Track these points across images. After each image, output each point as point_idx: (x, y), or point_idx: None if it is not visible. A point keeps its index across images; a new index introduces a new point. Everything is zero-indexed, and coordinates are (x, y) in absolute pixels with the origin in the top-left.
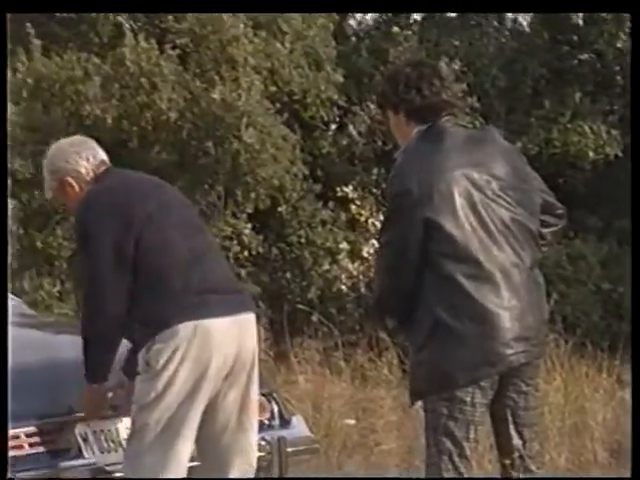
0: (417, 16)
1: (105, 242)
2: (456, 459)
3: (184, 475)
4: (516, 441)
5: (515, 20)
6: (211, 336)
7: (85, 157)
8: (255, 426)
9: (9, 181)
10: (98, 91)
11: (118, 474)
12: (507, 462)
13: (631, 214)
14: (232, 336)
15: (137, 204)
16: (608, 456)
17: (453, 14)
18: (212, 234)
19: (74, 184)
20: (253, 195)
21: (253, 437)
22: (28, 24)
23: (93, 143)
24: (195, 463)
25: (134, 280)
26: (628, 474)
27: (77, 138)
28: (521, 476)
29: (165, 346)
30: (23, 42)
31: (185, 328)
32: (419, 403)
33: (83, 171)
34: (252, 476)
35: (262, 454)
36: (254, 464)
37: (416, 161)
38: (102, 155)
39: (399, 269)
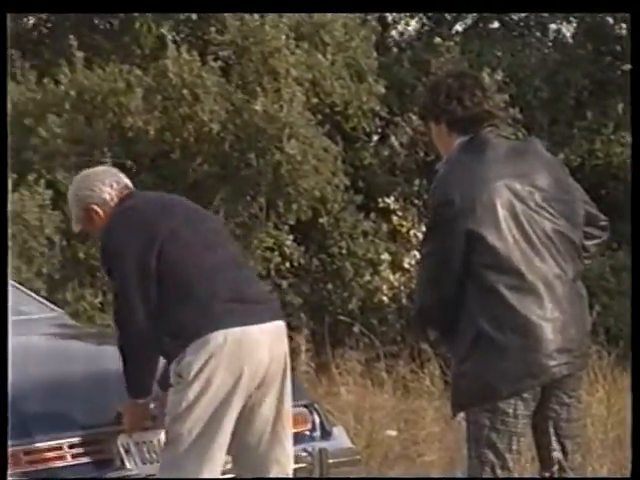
0: (459, 27)
1: (129, 260)
2: (498, 471)
3: None
4: (558, 453)
5: (558, 31)
6: (242, 344)
7: (109, 184)
8: (290, 436)
9: (51, 193)
10: (140, 103)
11: None
12: (548, 474)
13: (631, 214)
14: (263, 344)
15: (160, 220)
16: None
17: (496, 25)
18: (236, 245)
19: (99, 211)
20: (295, 206)
21: (289, 447)
22: (71, 36)
23: (115, 170)
24: (230, 475)
25: (161, 294)
26: None
27: (99, 168)
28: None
29: (196, 357)
30: (66, 54)
31: (215, 338)
32: (461, 415)
33: (107, 197)
34: None
35: (303, 465)
36: (290, 474)
37: (458, 172)
38: (125, 180)
39: (441, 280)
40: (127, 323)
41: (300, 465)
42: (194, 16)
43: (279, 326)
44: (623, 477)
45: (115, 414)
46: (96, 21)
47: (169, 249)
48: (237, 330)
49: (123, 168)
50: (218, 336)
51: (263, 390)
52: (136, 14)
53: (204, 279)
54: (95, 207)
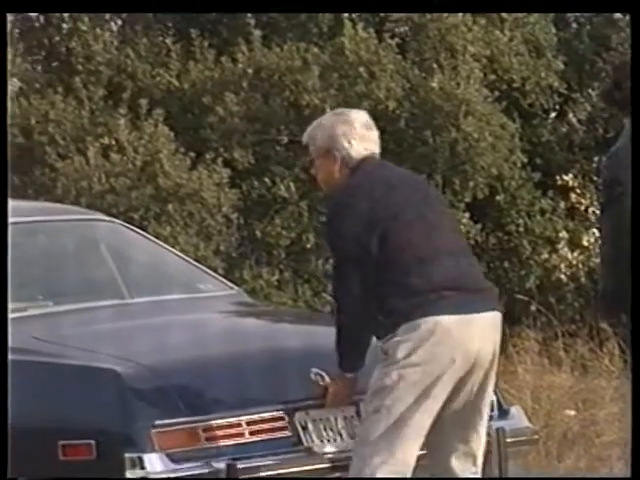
0: None
1: (349, 241)
2: None
3: (407, 472)
4: None
5: None
6: (451, 333)
7: (363, 145)
8: (485, 427)
9: (228, 171)
10: (317, 81)
11: (337, 463)
12: None
13: (631, 214)
14: (473, 335)
15: (384, 203)
16: None
17: None
18: (458, 230)
19: (338, 159)
20: (471, 184)
21: (483, 439)
22: (249, 14)
23: (372, 133)
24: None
25: (378, 276)
26: None
27: (363, 118)
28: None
29: (405, 339)
30: (243, 32)
31: (425, 323)
32: None
33: (354, 155)
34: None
35: None
36: (479, 468)
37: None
38: (373, 146)
39: (615, 262)
40: (343, 299)
41: None
42: None
43: (494, 317)
44: (623, 477)
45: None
46: None
47: (390, 233)
48: (447, 318)
49: (299, 145)
50: (429, 322)
51: (467, 379)
52: None
53: (421, 265)
54: (336, 154)
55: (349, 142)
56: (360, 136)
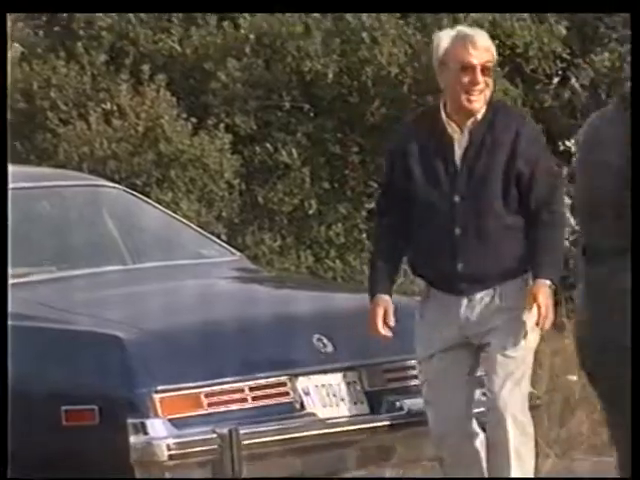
0: None
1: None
2: None
3: None
4: None
5: None
6: None
7: None
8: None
9: (230, 137)
10: (319, 47)
11: (339, 428)
12: None
13: (631, 214)
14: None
15: None
16: None
17: None
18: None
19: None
20: None
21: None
22: None
23: None
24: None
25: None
26: None
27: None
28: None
29: None
30: None
31: None
32: None
33: None
34: None
35: (482, 410)
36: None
37: None
38: None
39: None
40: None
41: (480, 409)
42: None
43: None
44: (623, 477)
45: (297, 356)
46: None
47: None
48: None
49: (301, 111)
50: None
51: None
52: None
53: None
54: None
55: None
56: None
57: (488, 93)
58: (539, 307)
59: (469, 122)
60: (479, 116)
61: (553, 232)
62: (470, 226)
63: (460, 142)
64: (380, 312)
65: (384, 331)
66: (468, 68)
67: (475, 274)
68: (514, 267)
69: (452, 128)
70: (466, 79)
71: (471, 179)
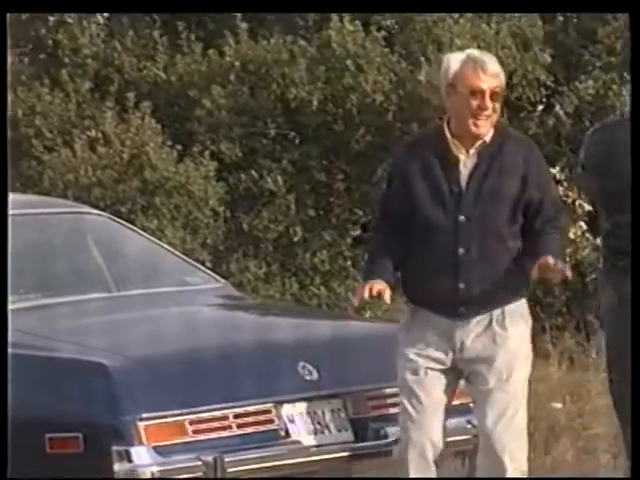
0: None
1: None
2: None
3: None
4: None
5: None
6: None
7: None
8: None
9: (215, 164)
10: (304, 74)
11: (325, 456)
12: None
13: (631, 214)
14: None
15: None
16: None
17: None
18: None
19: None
20: None
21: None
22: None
23: None
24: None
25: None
26: None
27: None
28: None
29: None
30: (230, 25)
31: None
32: None
33: None
34: None
35: (467, 437)
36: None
37: None
38: None
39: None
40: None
41: (465, 437)
42: None
43: None
44: (623, 477)
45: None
46: None
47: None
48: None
49: (286, 139)
50: None
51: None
52: None
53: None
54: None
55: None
56: None
57: (495, 118)
58: (547, 262)
59: (477, 144)
60: (487, 139)
61: (555, 238)
62: (474, 247)
63: (465, 163)
64: (370, 284)
65: (366, 292)
66: (477, 93)
67: (475, 295)
68: (513, 291)
69: (457, 148)
70: (475, 104)
71: (477, 200)
